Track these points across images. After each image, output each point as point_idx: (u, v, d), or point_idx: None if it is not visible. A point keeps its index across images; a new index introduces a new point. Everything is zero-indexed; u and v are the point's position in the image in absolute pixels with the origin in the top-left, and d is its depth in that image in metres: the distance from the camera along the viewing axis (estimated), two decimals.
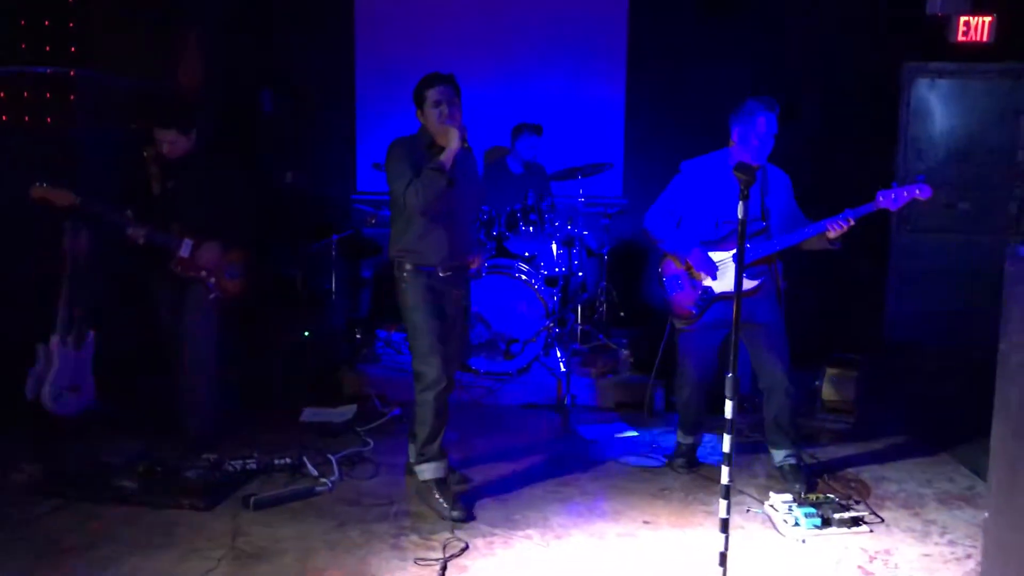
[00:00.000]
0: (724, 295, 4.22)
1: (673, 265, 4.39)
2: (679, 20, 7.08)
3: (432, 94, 3.94)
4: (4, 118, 5.76)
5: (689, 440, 4.61)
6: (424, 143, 4.00)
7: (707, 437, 4.73)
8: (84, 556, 3.49)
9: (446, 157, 3.85)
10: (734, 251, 4.13)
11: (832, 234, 4.03)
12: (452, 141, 3.86)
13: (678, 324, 4.44)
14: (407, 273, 4.02)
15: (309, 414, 5.27)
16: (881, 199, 3.97)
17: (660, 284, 4.46)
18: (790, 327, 4.38)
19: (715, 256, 4.24)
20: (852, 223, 4.00)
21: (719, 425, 3.17)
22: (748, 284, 4.17)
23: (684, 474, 4.50)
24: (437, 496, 3.92)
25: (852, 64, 6.85)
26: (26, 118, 5.75)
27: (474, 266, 4.25)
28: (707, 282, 4.27)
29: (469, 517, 3.87)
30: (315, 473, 4.32)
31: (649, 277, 7.15)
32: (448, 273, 4.04)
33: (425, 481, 3.99)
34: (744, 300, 4.15)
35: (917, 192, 3.94)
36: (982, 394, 2.96)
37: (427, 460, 3.98)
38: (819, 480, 4.41)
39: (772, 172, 4.32)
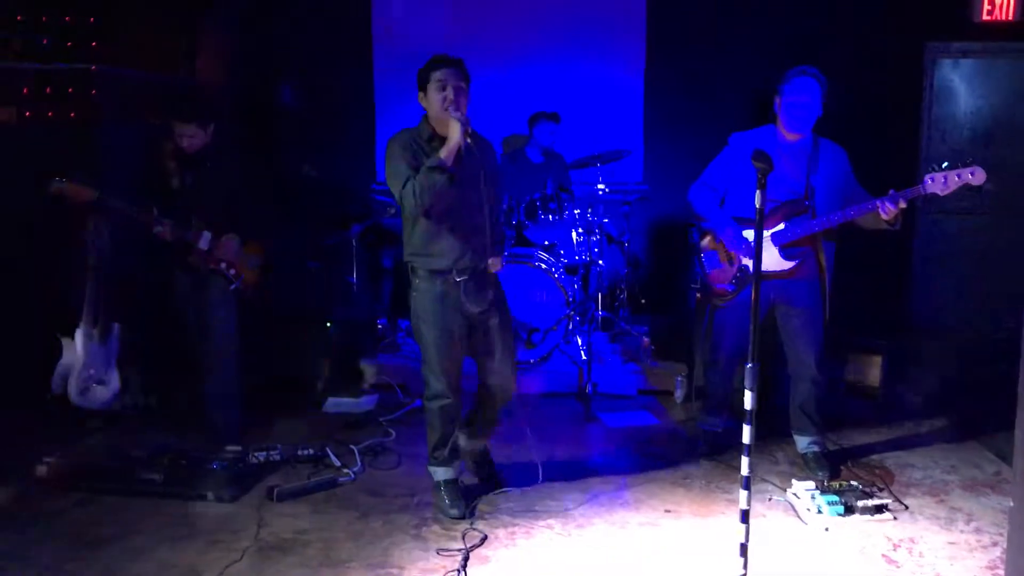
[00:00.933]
0: (763, 273, 4.08)
1: (710, 243, 4.37)
2: (698, 5, 7.02)
3: (437, 75, 3.64)
4: (27, 114, 5.80)
5: (714, 424, 4.60)
6: (425, 135, 3.75)
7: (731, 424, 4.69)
8: (111, 548, 3.54)
9: (447, 153, 3.56)
10: (771, 230, 4.11)
11: (886, 216, 3.88)
12: (453, 134, 3.56)
13: (715, 301, 4.39)
14: (419, 279, 3.83)
15: (332, 404, 5.31)
16: (930, 183, 3.79)
17: (698, 260, 4.43)
18: None
19: (751, 234, 4.12)
20: (903, 205, 3.85)
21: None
22: (784, 265, 4.13)
23: (707, 461, 4.48)
24: (442, 494, 3.91)
25: (874, 45, 6.75)
26: (49, 113, 5.80)
27: (492, 269, 3.87)
28: (745, 260, 4.21)
29: (468, 515, 3.83)
30: (338, 464, 4.35)
31: (670, 263, 7.13)
32: (464, 278, 3.76)
33: (435, 481, 3.98)
34: (782, 282, 4.15)
35: (970, 176, 3.74)
36: (1008, 378, 2.92)
37: (438, 464, 3.96)
38: (842, 467, 4.38)
39: (825, 148, 4.18)
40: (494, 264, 3.86)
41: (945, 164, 3.81)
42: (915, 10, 6.76)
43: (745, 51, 6.83)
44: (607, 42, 7.23)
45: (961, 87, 7.02)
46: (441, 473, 3.95)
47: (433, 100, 3.67)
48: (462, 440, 4.01)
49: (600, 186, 6.29)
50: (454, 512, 3.83)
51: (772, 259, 4.11)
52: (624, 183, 7.04)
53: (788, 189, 4.12)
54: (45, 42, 5.89)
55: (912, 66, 6.98)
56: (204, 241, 4.57)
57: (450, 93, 3.62)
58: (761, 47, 6.61)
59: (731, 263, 4.28)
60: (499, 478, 4.21)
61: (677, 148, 7.01)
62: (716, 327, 4.46)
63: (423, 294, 3.81)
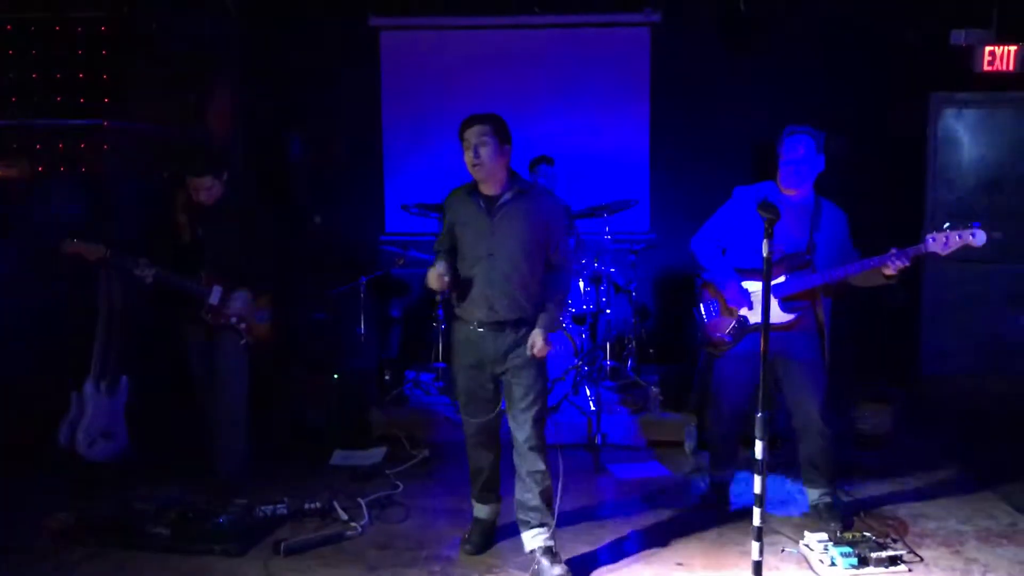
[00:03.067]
0: (759, 326, 4.02)
1: (710, 292, 4.39)
2: (702, 56, 7.11)
3: (464, 136, 3.77)
4: (40, 169, 5.89)
5: (721, 476, 4.56)
6: (470, 188, 3.89)
7: (741, 475, 4.67)
8: None
9: (434, 284, 3.78)
10: (775, 281, 4.11)
11: (889, 271, 3.89)
12: (434, 282, 3.77)
13: (711, 351, 4.41)
14: (454, 320, 3.99)
15: (339, 457, 5.28)
16: (931, 242, 3.79)
17: (696, 309, 4.44)
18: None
19: (752, 286, 4.20)
20: (908, 263, 3.86)
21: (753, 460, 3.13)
22: (783, 317, 4.13)
23: (718, 513, 4.44)
24: (469, 528, 4.10)
25: (878, 96, 6.83)
26: (61, 168, 5.88)
27: (532, 350, 3.75)
28: (744, 311, 4.23)
29: (475, 552, 3.99)
30: (345, 517, 4.32)
31: (678, 312, 7.13)
32: (483, 329, 3.81)
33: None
34: (780, 335, 4.13)
35: (971, 238, 3.73)
36: (1021, 427, 2.90)
37: (471, 498, 4.13)
38: (855, 518, 4.33)
39: (827, 208, 4.22)
40: (534, 343, 3.75)
41: (947, 225, 3.80)
42: (919, 61, 6.85)
43: (749, 103, 6.91)
44: (613, 94, 7.32)
45: (965, 136, 7.08)
46: (474, 509, 4.13)
47: (466, 160, 3.79)
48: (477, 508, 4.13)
49: (607, 235, 6.32)
50: (466, 548, 4.01)
51: (772, 311, 4.08)
52: (631, 232, 7.08)
53: (790, 242, 4.15)
54: (59, 99, 5.98)
55: (917, 116, 7.05)
56: (215, 296, 4.58)
57: (470, 153, 3.74)
58: (765, 99, 6.70)
59: (730, 314, 4.29)
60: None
61: (683, 198, 7.06)
62: (715, 381, 4.46)
63: (454, 332, 3.99)
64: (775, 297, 4.12)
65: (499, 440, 4.04)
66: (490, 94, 7.22)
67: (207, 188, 4.52)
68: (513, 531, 4.03)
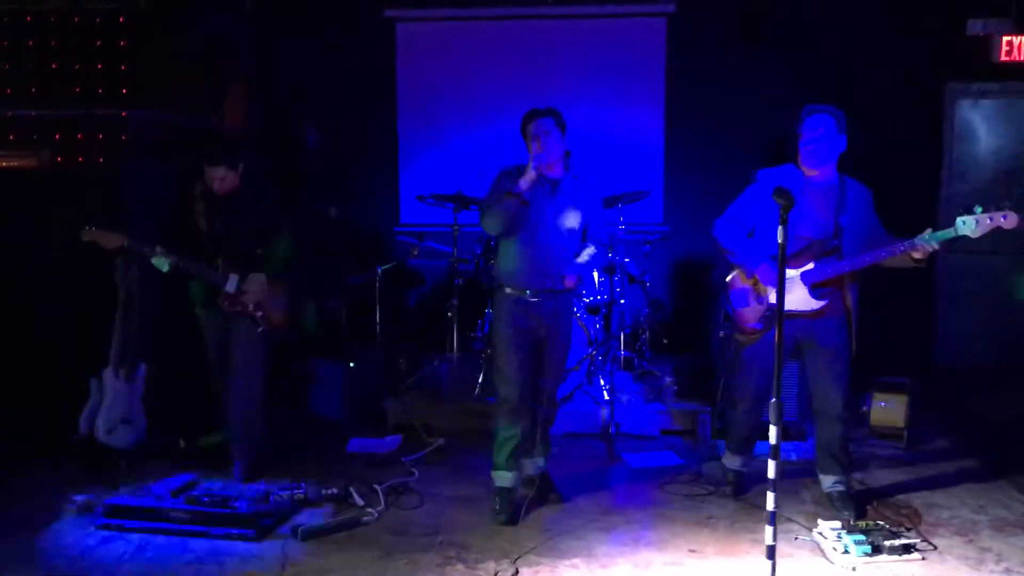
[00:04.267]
0: (790, 312, 3.95)
1: (740, 279, 4.35)
2: (717, 47, 7.11)
3: (529, 129, 4.21)
4: (59, 159, 5.94)
5: (737, 463, 4.57)
6: (523, 170, 4.18)
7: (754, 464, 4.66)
8: None
9: (522, 182, 4.07)
10: (800, 269, 4.12)
11: (918, 255, 3.90)
12: (527, 171, 4.07)
13: (742, 339, 4.38)
14: (498, 295, 4.33)
15: (355, 444, 5.32)
16: (961, 225, 3.82)
17: (725, 297, 4.41)
18: None
19: (788, 271, 4.09)
20: (936, 247, 3.89)
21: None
22: (813, 304, 4.12)
23: (731, 501, 4.46)
24: (495, 500, 4.26)
25: (893, 86, 6.81)
26: (80, 159, 5.93)
27: (568, 284, 4.26)
28: (773, 298, 4.18)
29: (510, 522, 4.16)
30: (361, 503, 4.36)
31: (692, 303, 7.14)
32: (537, 299, 4.23)
33: (495, 487, 4.30)
34: (808, 321, 4.15)
35: (1002, 220, 3.78)
36: None
37: (494, 468, 4.31)
38: (868, 507, 4.34)
39: (851, 187, 4.19)
40: (567, 281, 4.23)
41: (978, 208, 3.81)
42: (935, 51, 6.82)
43: (764, 93, 6.90)
44: (628, 84, 7.33)
45: (981, 127, 7.05)
46: (497, 479, 4.30)
47: (529, 150, 4.22)
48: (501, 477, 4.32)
49: (621, 226, 6.33)
50: (501, 518, 4.18)
51: (802, 298, 4.12)
52: (645, 223, 7.08)
53: (817, 227, 4.13)
54: (77, 90, 6.03)
55: (932, 106, 7.03)
56: (231, 284, 4.62)
57: (540, 141, 4.16)
58: (780, 89, 6.69)
59: (760, 301, 4.27)
60: (556, 493, 4.51)
61: (697, 189, 7.07)
62: (744, 366, 4.42)
63: (500, 307, 4.32)
64: (805, 284, 4.12)
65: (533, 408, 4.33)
66: (505, 84, 7.25)
67: (220, 178, 4.57)
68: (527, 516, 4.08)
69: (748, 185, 4.36)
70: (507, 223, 4.16)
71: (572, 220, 4.26)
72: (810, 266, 4.13)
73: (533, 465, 4.44)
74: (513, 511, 4.21)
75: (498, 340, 4.30)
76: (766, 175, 4.29)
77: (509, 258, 4.29)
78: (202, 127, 6.46)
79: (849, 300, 4.19)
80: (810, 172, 4.16)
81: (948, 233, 3.86)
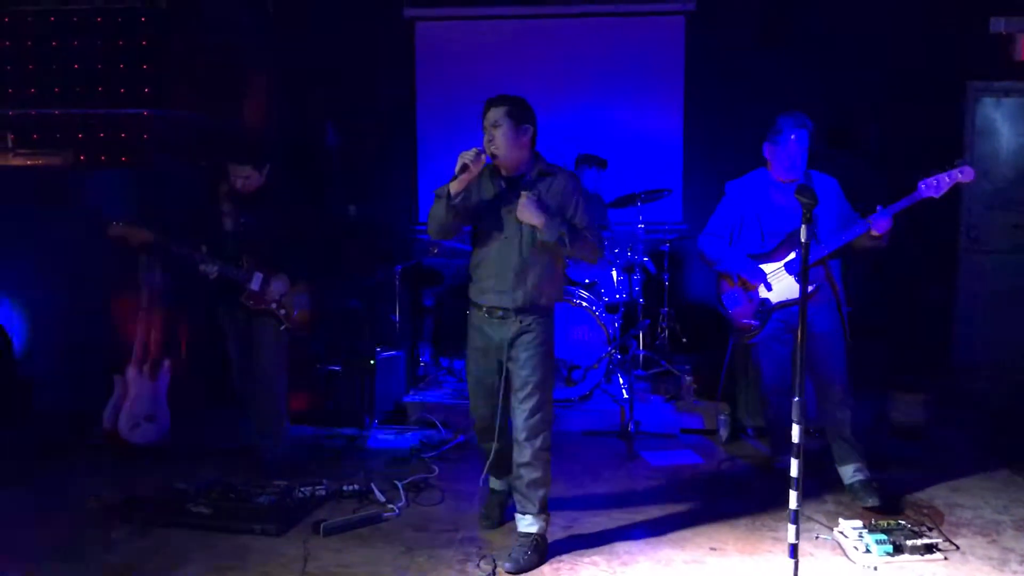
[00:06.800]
0: (781, 304, 4.33)
1: (727, 284, 4.52)
2: (736, 46, 7.10)
3: (483, 121, 3.74)
4: (82, 158, 6.00)
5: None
6: (488, 170, 3.82)
7: None
8: None
9: (455, 182, 3.64)
10: (783, 261, 4.33)
11: (879, 232, 4.06)
12: (457, 166, 3.61)
13: (743, 339, 4.52)
14: (469, 305, 3.91)
15: (376, 441, 5.35)
16: (923, 187, 3.98)
17: (719, 303, 4.57)
18: (858, 350, 4.35)
19: (765, 268, 4.37)
20: (890, 223, 4.03)
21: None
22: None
23: (752, 499, 4.44)
24: (484, 501, 4.22)
25: (916, 84, 6.78)
26: (103, 158, 5.99)
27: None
28: (763, 293, 4.37)
29: (493, 526, 4.09)
30: (382, 499, 4.38)
31: (710, 302, 7.12)
32: (490, 315, 3.78)
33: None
34: (799, 308, 4.18)
35: (959, 175, 3.95)
36: None
37: (487, 472, 4.06)
38: (894, 501, 4.32)
39: (816, 180, 4.37)
40: (522, 201, 3.58)
41: (933, 170, 4.00)
42: (956, 49, 6.78)
43: (784, 91, 6.84)
44: (647, 82, 7.33)
45: (1004, 126, 7.01)
46: (489, 480, 4.19)
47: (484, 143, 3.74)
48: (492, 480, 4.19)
49: (640, 225, 6.33)
50: (485, 523, 4.11)
51: (790, 287, 4.32)
52: (664, 222, 7.09)
53: (790, 221, 4.29)
54: (100, 89, 6.09)
55: (954, 104, 6.99)
56: (256, 282, 4.66)
57: (487, 134, 3.71)
58: (800, 87, 6.66)
59: (751, 298, 4.41)
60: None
61: (716, 187, 6.97)
62: (753, 366, 4.54)
63: (469, 318, 3.92)
64: (790, 273, 4.32)
65: (506, 428, 3.93)
66: (524, 83, 7.21)
67: (245, 177, 4.59)
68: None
69: (722, 198, 4.57)
70: (441, 228, 3.73)
71: (528, 215, 3.58)
72: (792, 255, 4.32)
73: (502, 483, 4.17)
74: (500, 515, 4.13)
75: (467, 354, 3.99)
76: (734, 186, 4.54)
77: (473, 266, 3.87)
78: (224, 126, 6.51)
79: (834, 279, 4.36)
80: (786, 180, 4.33)
81: (912, 198, 4.02)
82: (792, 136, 4.28)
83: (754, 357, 4.58)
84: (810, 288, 4.14)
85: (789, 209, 4.27)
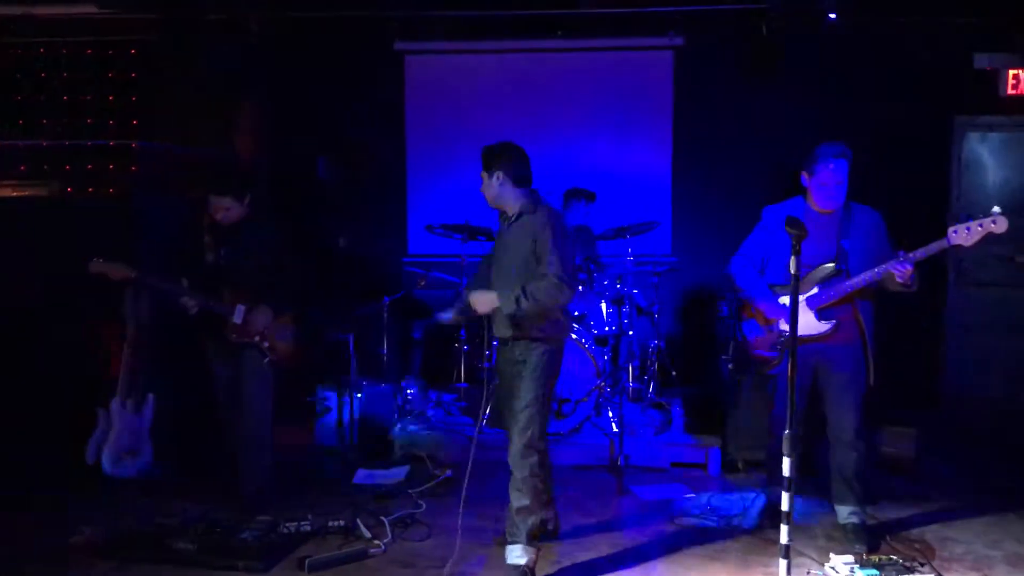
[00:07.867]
0: (802, 338, 4.02)
1: (747, 313, 4.43)
2: (724, 80, 7.15)
3: None
4: (69, 189, 5.98)
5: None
6: None
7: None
8: None
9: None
10: (808, 294, 4.18)
11: (901, 278, 3.93)
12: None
13: (763, 370, 4.41)
14: None
15: (362, 476, 5.29)
16: (953, 235, 3.84)
17: (738, 328, 4.47)
18: None
19: (787, 300, 4.11)
20: (911, 267, 3.90)
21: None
22: (820, 327, 4.16)
23: (742, 535, 4.40)
24: None
25: (901, 119, 6.82)
26: (90, 189, 5.97)
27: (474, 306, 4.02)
28: (783, 326, 4.25)
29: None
30: (368, 535, 4.32)
31: (700, 335, 7.11)
32: (497, 343, 4.20)
33: None
34: (821, 345, 4.19)
35: (992, 226, 3.78)
36: None
37: None
38: (881, 542, 4.28)
39: (857, 213, 4.23)
40: (474, 298, 4.03)
41: (967, 216, 3.85)
42: (942, 84, 6.84)
43: (772, 126, 6.92)
44: (636, 116, 7.37)
45: (989, 160, 7.06)
46: None
47: None
48: None
49: (629, 257, 6.33)
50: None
51: (809, 323, 4.17)
52: (653, 255, 7.09)
53: (818, 254, 4.17)
54: (88, 121, 6.09)
55: (940, 139, 7.04)
56: (238, 315, 4.62)
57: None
58: (788, 122, 6.71)
59: (769, 331, 4.31)
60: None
61: (705, 220, 7.08)
62: (768, 395, 4.47)
63: None
64: (810, 309, 4.17)
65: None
66: (514, 117, 7.28)
67: (226, 208, 4.57)
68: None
69: (758, 223, 4.43)
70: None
71: (481, 307, 3.97)
72: (814, 290, 4.19)
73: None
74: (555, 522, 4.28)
75: None
76: (770, 211, 4.39)
77: None
78: (212, 158, 6.50)
79: (862, 322, 4.20)
80: (825, 212, 4.20)
81: (940, 244, 3.88)
82: (831, 166, 4.11)
83: (770, 388, 4.43)
84: (828, 327, 4.14)
85: (820, 240, 4.15)
